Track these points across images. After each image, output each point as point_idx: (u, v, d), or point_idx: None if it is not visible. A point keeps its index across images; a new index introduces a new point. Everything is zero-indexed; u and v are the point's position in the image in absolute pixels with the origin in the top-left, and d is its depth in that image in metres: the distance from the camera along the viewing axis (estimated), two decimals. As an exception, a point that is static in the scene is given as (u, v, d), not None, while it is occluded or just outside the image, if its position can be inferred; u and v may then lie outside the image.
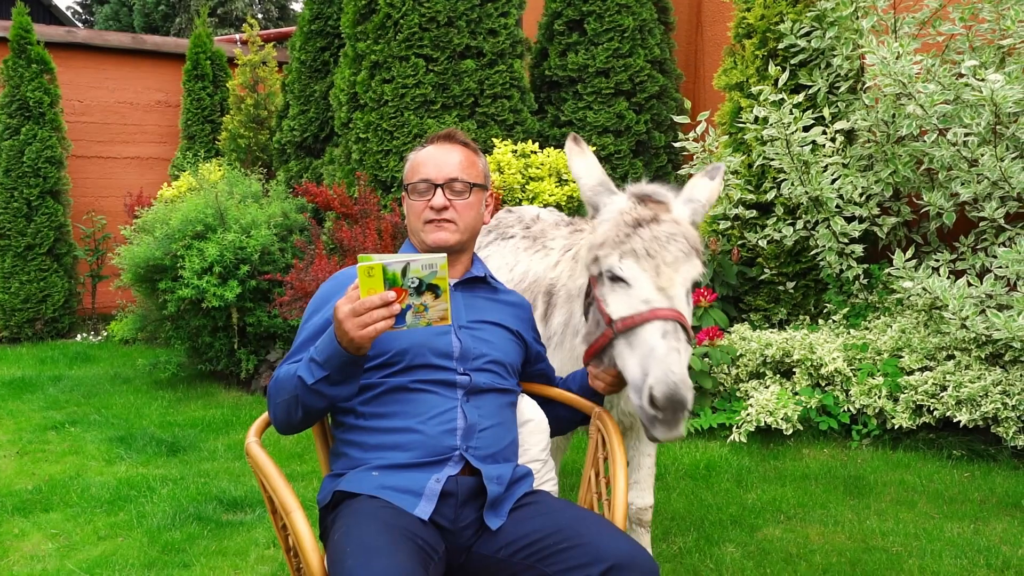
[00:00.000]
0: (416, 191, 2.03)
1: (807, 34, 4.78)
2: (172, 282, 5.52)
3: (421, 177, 2.03)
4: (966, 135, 4.03)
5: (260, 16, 21.64)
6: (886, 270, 4.55)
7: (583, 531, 1.73)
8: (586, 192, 2.04)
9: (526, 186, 5.31)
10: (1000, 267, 3.87)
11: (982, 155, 3.99)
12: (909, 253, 4.25)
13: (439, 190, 2.01)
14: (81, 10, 24.15)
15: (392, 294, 1.61)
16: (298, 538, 1.69)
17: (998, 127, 4.01)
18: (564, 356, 2.37)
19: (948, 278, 4.00)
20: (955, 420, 3.96)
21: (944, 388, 4.06)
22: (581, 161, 2.07)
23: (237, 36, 10.38)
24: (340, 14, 6.44)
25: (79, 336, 8.17)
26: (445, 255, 1.64)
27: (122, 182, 9.21)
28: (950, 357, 4.23)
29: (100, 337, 8.12)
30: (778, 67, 4.71)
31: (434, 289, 1.64)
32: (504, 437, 1.97)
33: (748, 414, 4.28)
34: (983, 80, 3.76)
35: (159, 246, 5.55)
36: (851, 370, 4.34)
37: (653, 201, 1.93)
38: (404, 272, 1.60)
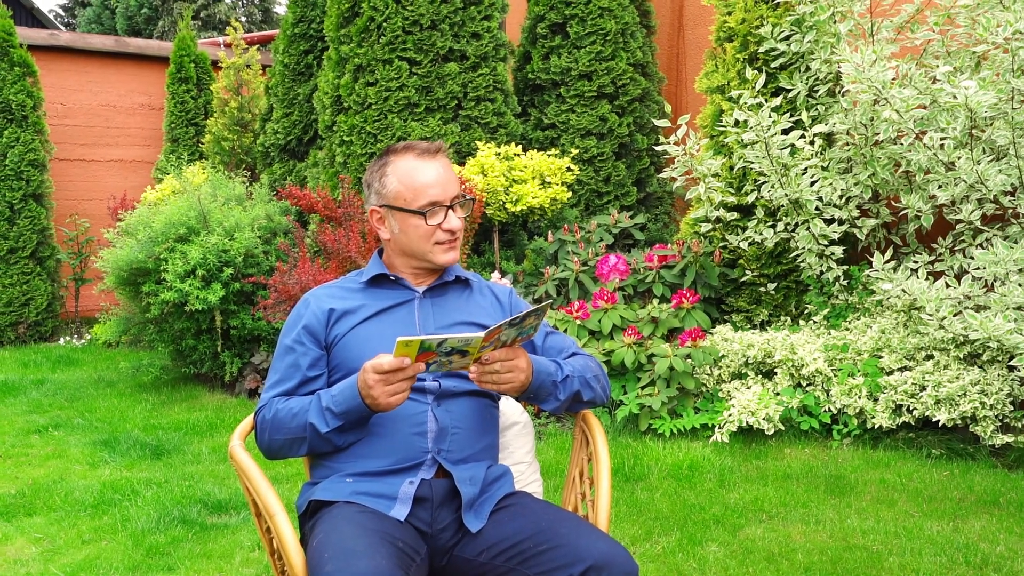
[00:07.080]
0: (424, 214, 1.97)
1: (787, 38, 4.81)
2: (155, 285, 5.51)
3: (430, 200, 1.96)
4: (942, 139, 4.05)
5: (243, 19, 21.58)
6: (866, 271, 4.59)
7: (563, 532, 1.74)
8: None
9: (509, 188, 5.34)
10: (977, 268, 3.89)
11: (959, 158, 4.01)
12: (888, 255, 4.26)
13: (450, 211, 1.99)
14: (63, 13, 24.01)
15: (422, 366, 1.70)
16: (282, 541, 1.71)
17: (974, 131, 4.05)
18: None
19: (926, 279, 4.01)
20: (934, 419, 4.00)
21: (923, 388, 4.10)
22: None
23: (220, 39, 10.37)
24: (323, 17, 6.45)
25: (62, 339, 8.13)
26: (483, 334, 1.67)
27: (105, 185, 9.19)
28: (929, 357, 4.27)
29: (83, 340, 8.08)
30: (757, 70, 4.74)
31: (463, 352, 1.71)
32: (478, 439, 1.97)
33: (730, 414, 4.31)
34: (958, 87, 3.80)
35: (142, 249, 5.54)
36: (832, 370, 4.38)
37: None
38: (439, 344, 1.66)
